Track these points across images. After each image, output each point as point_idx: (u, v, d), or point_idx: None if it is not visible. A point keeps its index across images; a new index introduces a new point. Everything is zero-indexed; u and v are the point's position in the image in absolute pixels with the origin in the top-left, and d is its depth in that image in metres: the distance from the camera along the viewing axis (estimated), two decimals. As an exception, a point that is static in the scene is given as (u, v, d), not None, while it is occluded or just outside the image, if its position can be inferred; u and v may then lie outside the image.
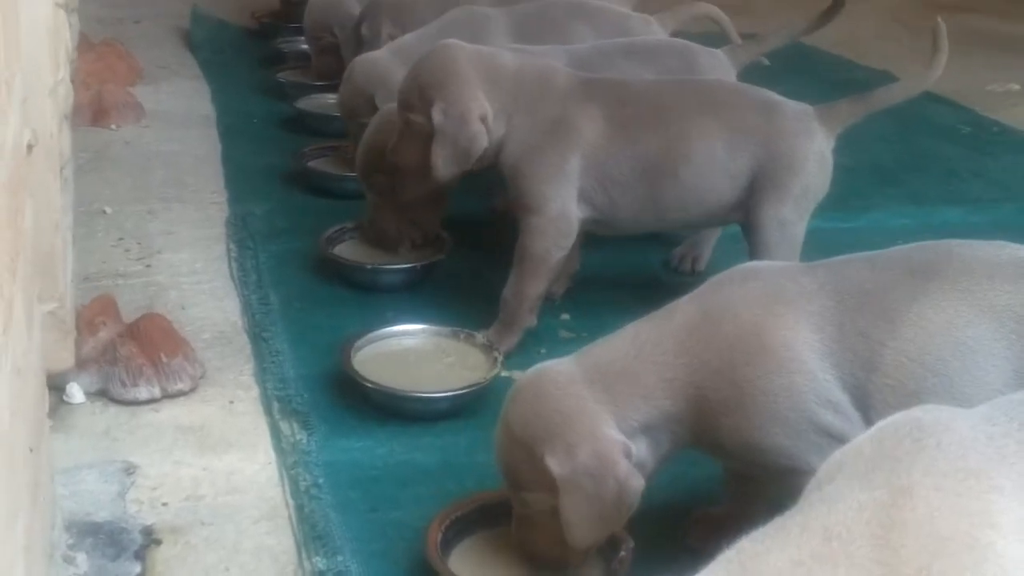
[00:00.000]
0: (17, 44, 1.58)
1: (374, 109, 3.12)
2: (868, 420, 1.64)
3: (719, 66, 2.92)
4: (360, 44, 3.53)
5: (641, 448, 1.71)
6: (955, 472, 1.19)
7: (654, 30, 3.19)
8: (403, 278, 2.75)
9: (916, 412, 1.28)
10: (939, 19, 2.58)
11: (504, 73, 2.47)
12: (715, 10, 3.45)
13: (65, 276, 2.13)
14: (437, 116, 2.40)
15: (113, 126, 3.69)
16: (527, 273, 2.46)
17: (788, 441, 1.69)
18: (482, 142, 2.41)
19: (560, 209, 2.43)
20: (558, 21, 3.20)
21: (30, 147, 1.75)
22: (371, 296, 2.71)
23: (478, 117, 2.40)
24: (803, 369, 1.68)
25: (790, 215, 2.47)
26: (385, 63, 3.16)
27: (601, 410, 1.69)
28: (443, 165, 2.43)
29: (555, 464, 1.67)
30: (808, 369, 1.68)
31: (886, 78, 4.52)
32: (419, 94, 2.44)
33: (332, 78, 3.91)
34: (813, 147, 2.48)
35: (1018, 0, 6.02)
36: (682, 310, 1.77)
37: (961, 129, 4.06)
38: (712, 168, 2.45)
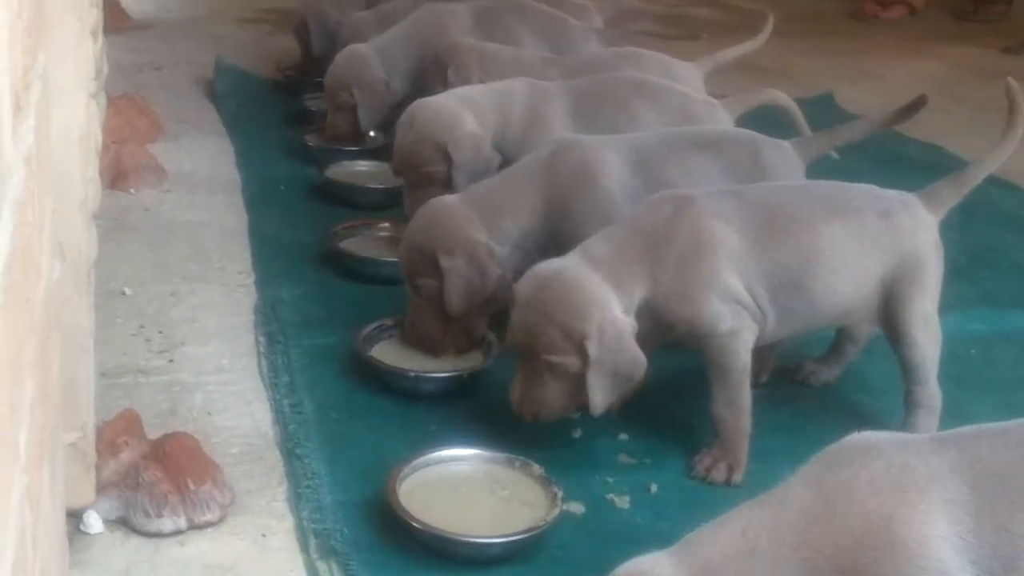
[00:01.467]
0: (48, 176, 1.38)
1: (445, 159, 2.93)
2: None
3: (786, 160, 2.74)
4: (428, 89, 3.33)
5: None
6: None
7: (719, 116, 2.99)
8: (447, 387, 2.54)
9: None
10: (1009, 80, 2.52)
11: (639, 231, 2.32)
12: (783, 97, 3.27)
13: (88, 403, 1.91)
14: (592, 349, 2.20)
15: (132, 190, 3.49)
16: (734, 387, 2.32)
17: None
18: (642, 367, 2.25)
19: (734, 322, 2.29)
20: (620, 98, 3.02)
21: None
22: (413, 405, 2.49)
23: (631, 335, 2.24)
24: (940, 568, 1.47)
25: (931, 308, 2.44)
26: (451, 108, 2.99)
27: None
28: (603, 398, 2.25)
29: None
30: (945, 569, 1.47)
31: (937, 152, 4.35)
32: (562, 333, 2.22)
33: (345, 139, 3.78)
34: (930, 237, 2.45)
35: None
36: (797, 496, 1.56)
37: (1024, 216, 3.86)
38: (843, 277, 2.35)
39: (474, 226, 2.59)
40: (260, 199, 3.51)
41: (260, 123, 4.17)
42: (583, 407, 2.29)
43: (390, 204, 3.47)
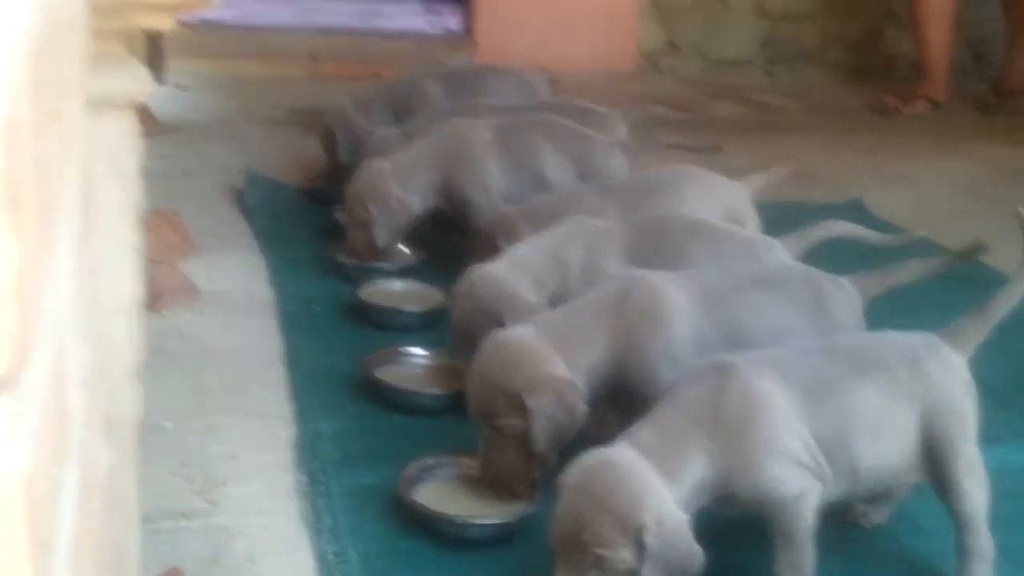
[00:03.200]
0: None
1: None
2: None
3: (846, 297, 2.73)
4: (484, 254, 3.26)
5: None
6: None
7: (778, 255, 2.97)
8: (494, 534, 2.50)
9: None
10: (1019, 209, 2.53)
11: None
12: (844, 226, 3.25)
13: (134, 571, 1.88)
14: (652, 543, 2.11)
15: (165, 312, 3.47)
16: (798, 549, 2.27)
17: None
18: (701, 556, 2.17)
19: (800, 484, 2.26)
20: (675, 240, 3.00)
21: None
22: (459, 553, 2.45)
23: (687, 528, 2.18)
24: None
25: (973, 453, 2.41)
26: (508, 277, 2.96)
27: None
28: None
29: None
30: None
31: (977, 270, 4.31)
32: (617, 525, 2.12)
33: (363, 254, 3.78)
34: (961, 379, 2.42)
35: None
36: None
37: (1060, 332, 3.81)
38: (881, 437, 2.34)
39: (554, 361, 2.54)
40: (295, 321, 3.49)
41: (292, 237, 4.16)
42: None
43: (426, 326, 3.46)
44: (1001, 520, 2.58)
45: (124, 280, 1.86)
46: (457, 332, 2.97)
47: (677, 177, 3.47)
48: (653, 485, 2.13)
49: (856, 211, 4.81)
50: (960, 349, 2.45)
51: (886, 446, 2.34)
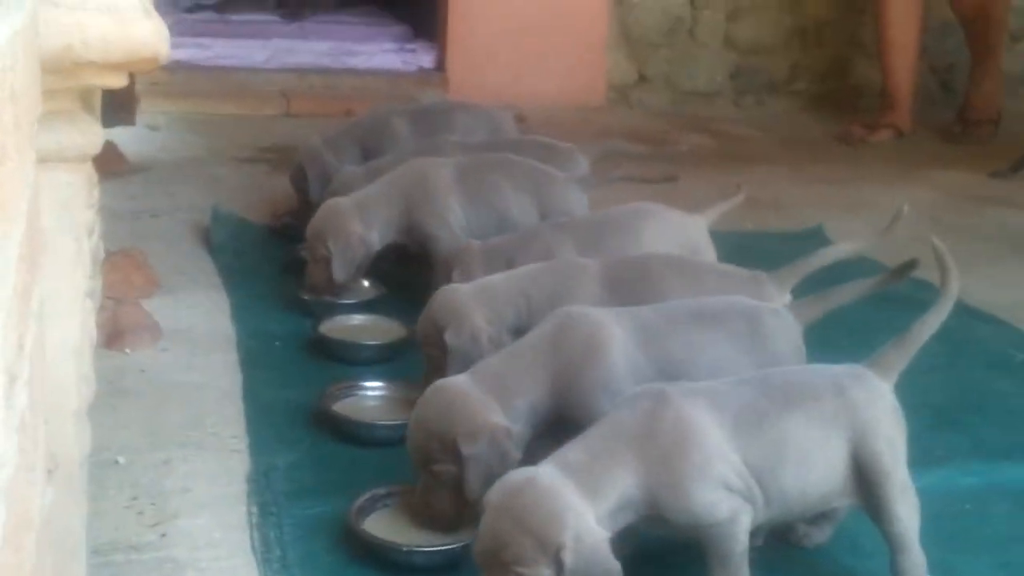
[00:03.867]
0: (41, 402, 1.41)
1: (442, 344, 2.96)
2: None
3: (786, 327, 2.79)
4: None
5: None
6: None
7: (767, 292, 3.02)
8: (441, 560, 2.55)
9: None
10: (934, 240, 2.62)
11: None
12: (832, 252, 3.29)
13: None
14: (568, 558, 2.16)
15: (127, 350, 3.52)
16: (734, 570, 2.33)
17: None
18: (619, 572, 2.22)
19: (730, 507, 2.31)
20: (655, 278, 3.05)
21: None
22: (406, 581, 2.51)
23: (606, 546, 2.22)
24: None
25: (903, 476, 2.46)
26: (464, 299, 3.04)
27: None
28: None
29: None
30: None
31: (926, 288, 4.37)
32: (536, 544, 2.17)
33: (323, 290, 3.83)
34: (887, 405, 2.48)
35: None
36: None
37: (1015, 356, 3.87)
38: (811, 466, 2.39)
39: (491, 408, 2.59)
40: (255, 357, 3.53)
41: (257, 274, 4.20)
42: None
43: (386, 359, 3.51)
44: (944, 539, 2.64)
45: (74, 326, 1.91)
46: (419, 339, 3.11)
47: (634, 214, 3.54)
48: (573, 504, 2.18)
49: (816, 238, 4.87)
50: (884, 377, 2.51)
51: (815, 473, 2.39)
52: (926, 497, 2.78)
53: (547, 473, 2.24)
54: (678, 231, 3.50)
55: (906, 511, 2.44)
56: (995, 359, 3.85)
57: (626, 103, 7.72)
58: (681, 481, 2.27)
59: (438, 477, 2.58)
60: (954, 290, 2.59)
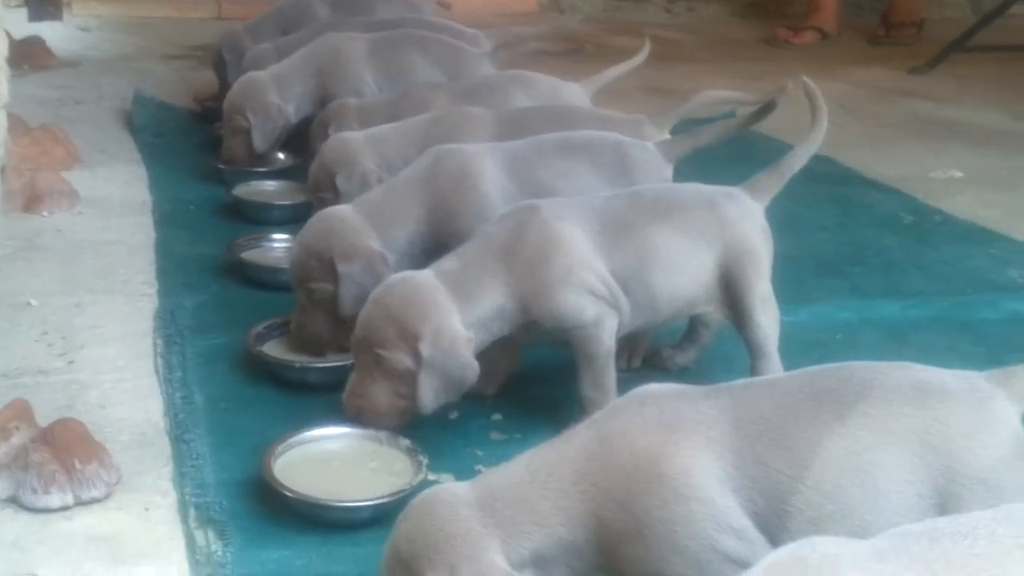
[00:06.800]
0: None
1: (334, 187, 3.09)
2: (775, 544, 1.60)
3: (651, 160, 2.92)
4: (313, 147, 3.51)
5: None
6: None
7: (645, 132, 3.14)
8: (332, 377, 2.68)
9: (804, 549, 1.29)
10: (804, 79, 2.74)
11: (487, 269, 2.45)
12: (714, 94, 3.48)
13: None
14: (426, 350, 2.32)
15: (45, 213, 3.63)
16: (600, 370, 2.49)
17: (691, 570, 1.65)
18: (476, 367, 2.37)
19: (595, 311, 2.45)
20: (540, 123, 3.15)
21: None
22: (300, 396, 2.64)
23: (466, 341, 2.37)
24: (701, 496, 1.66)
25: (766, 288, 2.61)
26: (357, 145, 3.17)
27: (488, 535, 1.66)
28: (430, 400, 2.38)
29: None
30: (707, 496, 1.66)
31: (829, 164, 4.54)
32: (398, 331, 2.35)
33: (241, 161, 3.96)
34: (757, 223, 2.62)
35: (963, 86, 6.07)
36: (579, 436, 1.76)
37: (903, 218, 4.05)
38: (679, 270, 2.53)
39: (369, 235, 2.75)
40: (169, 218, 3.66)
41: (176, 151, 4.32)
42: (408, 415, 2.40)
43: (296, 219, 3.63)
44: (813, 362, 2.78)
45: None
46: (309, 187, 3.28)
47: (509, 78, 3.66)
48: (441, 303, 2.34)
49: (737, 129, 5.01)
50: (756, 198, 2.65)
51: (683, 278, 2.55)
52: (800, 328, 2.98)
53: (422, 275, 2.40)
54: (552, 95, 3.60)
55: (766, 320, 2.61)
56: (884, 220, 4.02)
57: (557, 8, 7.82)
58: (546, 286, 2.42)
59: (314, 296, 2.72)
60: (823, 124, 2.71)
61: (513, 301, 2.42)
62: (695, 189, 2.68)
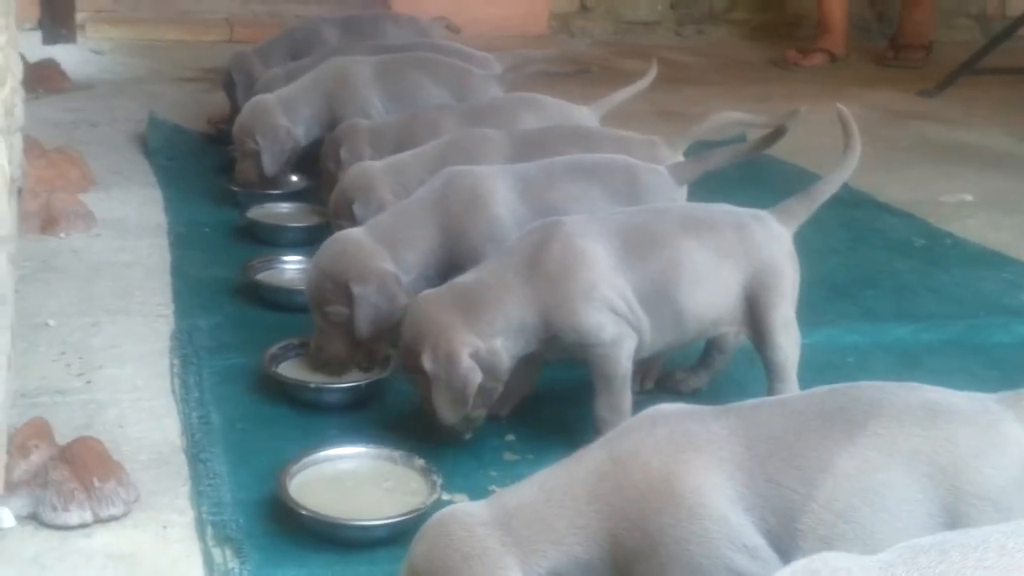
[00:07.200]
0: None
1: (351, 215, 3.12)
2: (787, 563, 1.62)
3: (662, 184, 2.94)
4: (339, 164, 3.56)
5: None
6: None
7: (660, 154, 3.17)
8: (348, 397, 2.72)
9: (815, 563, 1.29)
10: (839, 106, 2.72)
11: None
12: (726, 116, 3.47)
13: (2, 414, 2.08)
14: (427, 364, 2.41)
15: (62, 235, 3.66)
16: (616, 392, 2.51)
17: None
18: (474, 379, 2.42)
19: (615, 330, 2.48)
20: (555, 144, 3.18)
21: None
22: (315, 416, 2.67)
23: (467, 354, 2.41)
24: (714, 515, 1.68)
25: (789, 313, 2.64)
26: (375, 173, 3.20)
27: (505, 553, 1.68)
28: (446, 411, 2.45)
29: None
30: (719, 515, 1.68)
31: (844, 188, 4.55)
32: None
33: (252, 183, 3.99)
34: (784, 248, 2.64)
35: (971, 109, 6.09)
36: (592, 456, 1.78)
37: (915, 242, 4.07)
38: (704, 288, 2.54)
39: (382, 257, 2.77)
40: (184, 240, 3.69)
41: (190, 174, 4.36)
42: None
43: (309, 241, 3.65)
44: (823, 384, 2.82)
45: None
46: (330, 213, 3.31)
47: (517, 101, 3.70)
48: (456, 325, 2.42)
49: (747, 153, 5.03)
50: (785, 223, 2.66)
51: (709, 295, 2.56)
52: (812, 351, 2.98)
53: (437, 293, 2.46)
54: (561, 118, 3.62)
55: (787, 343, 2.63)
56: (896, 244, 4.04)
57: (567, 32, 7.86)
58: (568, 300, 2.45)
59: (330, 319, 2.75)
60: (856, 151, 2.70)
61: (536, 316, 2.46)
62: (724, 209, 2.69)
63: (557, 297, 2.46)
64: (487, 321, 2.42)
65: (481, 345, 2.42)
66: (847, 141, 2.69)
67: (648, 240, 2.55)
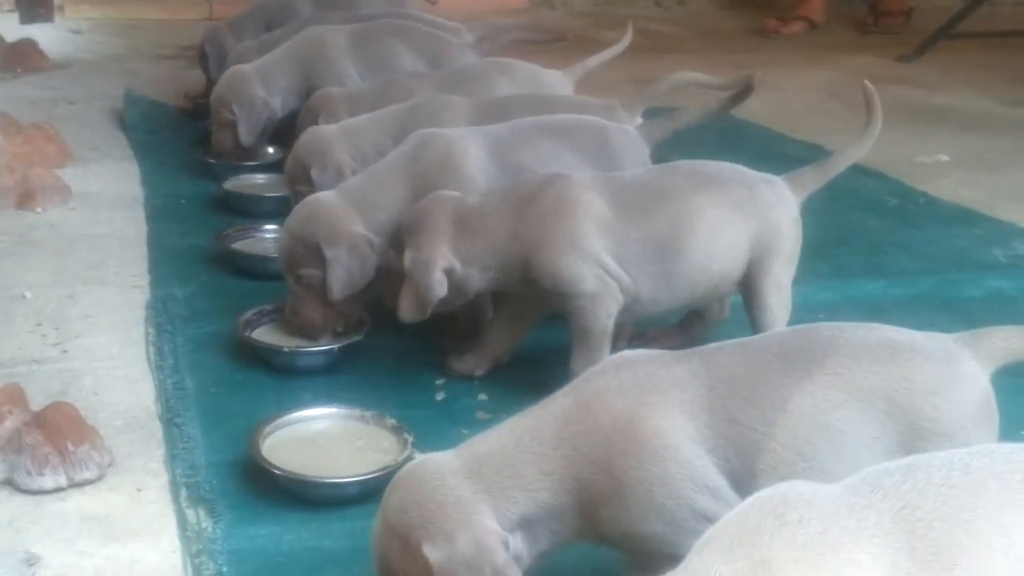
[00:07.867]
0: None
1: (309, 180, 3.13)
2: None
3: (633, 143, 2.96)
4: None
5: (517, 542, 1.71)
6: (814, 546, 1.25)
7: (618, 117, 3.18)
8: (321, 361, 2.74)
9: (783, 487, 1.32)
10: (865, 82, 2.75)
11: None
12: (688, 76, 3.50)
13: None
14: (407, 262, 2.51)
15: (39, 209, 3.67)
16: (592, 349, 2.53)
17: (668, 528, 1.69)
18: (439, 292, 2.51)
19: (596, 285, 2.50)
20: (516, 111, 3.17)
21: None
22: (289, 380, 2.69)
23: (441, 268, 2.50)
24: (677, 456, 1.70)
25: (785, 278, 2.67)
26: (330, 137, 3.20)
27: (478, 500, 1.70)
28: (407, 309, 2.54)
29: (432, 551, 1.66)
30: (682, 456, 1.70)
31: (818, 152, 4.58)
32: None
33: (229, 154, 4.00)
34: (790, 213, 2.66)
35: (949, 73, 6.11)
36: (559, 401, 1.80)
37: (888, 201, 4.10)
38: (716, 241, 2.56)
39: (353, 220, 2.79)
40: (161, 212, 3.71)
41: (167, 148, 4.36)
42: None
43: (285, 211, 3.65)
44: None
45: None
46: (284, 181, 3.37)
47: (491, 66, 3.70)
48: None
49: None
50: (795, 191, 2.68)
51: (719, 248, 2.56)
52: (782, 308, 3.02)
53: (445, 202, 2.61)
54: (534, 83, 3.64)
55: (777, 305, 2.65)
56: (869, 203, 4.07)
57: (548, 4, 7.86)
58: (550, 243, 2.48)
59: (303, 281, 2.77)
60: (876, 128, 2.73)
61: (519, 253, 2.51)
62: (735, 168, 2.69)
63: (541, 238, 2.49)
64: (470, 246, 2.50)
65: (457, 266, 2.50)
66: (869, 118, 2.71)
67: (655, 195, 2.56)
